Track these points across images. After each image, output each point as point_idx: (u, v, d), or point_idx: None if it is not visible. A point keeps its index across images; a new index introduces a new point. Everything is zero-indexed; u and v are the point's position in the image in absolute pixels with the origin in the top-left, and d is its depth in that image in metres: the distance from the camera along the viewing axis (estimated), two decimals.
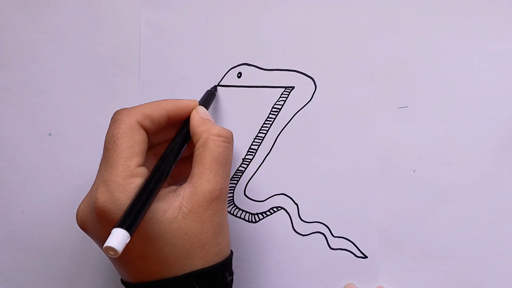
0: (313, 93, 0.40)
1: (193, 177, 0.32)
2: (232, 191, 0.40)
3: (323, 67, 0.40)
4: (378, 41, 0.40)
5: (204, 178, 0.32)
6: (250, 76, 0.41)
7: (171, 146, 0.34)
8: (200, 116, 0.35)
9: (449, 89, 0.39)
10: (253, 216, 0.40)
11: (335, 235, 0.39)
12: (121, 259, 0.32)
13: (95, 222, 0.32)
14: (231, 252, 0.35)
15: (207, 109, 0.38)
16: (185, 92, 0.41)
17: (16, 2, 0.43)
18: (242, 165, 0.40)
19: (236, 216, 0.40)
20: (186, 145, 0.35)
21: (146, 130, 0.33)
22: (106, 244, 0.27)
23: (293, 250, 0.39)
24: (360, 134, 0.39)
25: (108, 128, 0.33)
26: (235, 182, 0.40)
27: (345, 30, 0.40)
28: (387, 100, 0.39)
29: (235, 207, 0.40)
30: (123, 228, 0.27)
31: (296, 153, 0.40)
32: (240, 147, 0.40)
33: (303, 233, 0.39)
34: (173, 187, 0.33)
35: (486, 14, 0.39)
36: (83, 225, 0.33)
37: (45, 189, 0.42)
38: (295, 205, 0.39)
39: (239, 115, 0.40)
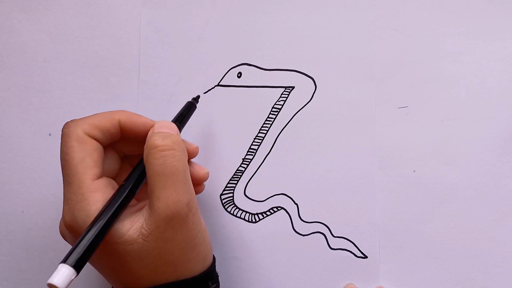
0: (313, 93, 0.40)
1: (149, 198, 0.31)
2: (232, 191, 0.40)
3: (323, 67, 0.40)
4: (378, 41, 0.40)
5: (154, 196, 0.30)
6: (250, 76, 0.41)
7: (128, 177, 0.32)
8: (151, 133, 0.32)
9: (449, 89, 0.39)
10: (253, 216, 0.40)
11: (335, 235, 0.39)
12: (98, 269, 0.33)
13: (70, 235, 0.32)
14: (212, 263, 0.34)
15: (184, 124, 0.36)
16: (185, 92, 0.41)
17: (16, 2, 0.43)
18: (242, 165, 0.40)
19: (236, 216, 0.40)
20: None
21: (97, 140, 0.32)
22: (49, 281, 0.26)
23: (293, 250, 0.39)
24: (360, 134, 0.39)
25: (61, 142, 0.32)
26: (235, 182, 0.40)
27: (345, 30, 0.40)
28: (387, 100, 0.39)
29: (235, 207, 0.40)
30: (69, 265, 0.27)
31: (296, 153, 0.40)
32: (240, 147, 0.40)
33: (303, 233, 0.39)
34: (144, 203, 0.32)
35: (486, 14, 0.39)
36: (63, 237, 0.33)
37: (45, 189, 0.42)
38: (295, 205, 0.39)
39: (239, 115, 0.40)
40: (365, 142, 0.39)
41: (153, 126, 0.33)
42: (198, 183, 0.36)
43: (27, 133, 0.42)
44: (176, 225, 0.30)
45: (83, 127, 0.32)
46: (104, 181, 0.31)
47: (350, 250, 0.39)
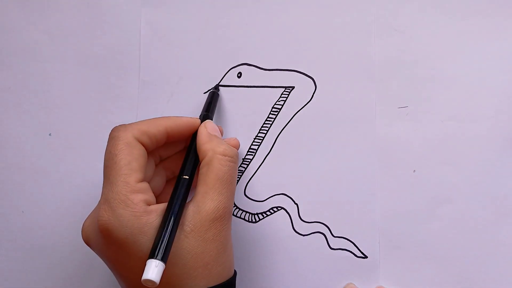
0: (313, 93, 0.40)
1: (197, 196, 0.32)
2: None
3: (323, 67, 0.40)
4: (378, 41, 0.40)
5: (207, 197, 0.32)
6: (250, 76, 0.41)
7: (184, 165, 0.34)
8: (207, 132, 0.35)
9: (449, 89, 0.39)
10: (253, 216, 0.40)
11: (335, 235, 0.39)
12: (118, 273, 0.33)
13: (99, 239, 0.32)
14: (235, 272, 0.34)
15: (213, 112, 0.38)
16: (185, 92, 0.41)
17: (16, 2, 0.43)
18: (242, 165, 0.40)
19: (236, 216, 0.40)
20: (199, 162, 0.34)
21: (144, 145, 0.33)
22: (144, 277, 0.27)
23: (293, 250, 0.39)
24: (360, 134, 0.39)
25: (106, 145, 0.33)
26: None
27: (345, 30, 0.40)
28: (387, 100, 0.39)
29: (235, 207, 0.40)
30: (157, 259, 0.28)
31: (296, 153, 0.40)
32: (240, 147, 0.40)
33: (303, 233, 0.39)
34: (164, 204, 0.33)
35: (486, 14, 0.39)
36: (87, 241, 0.33)
37: (45, 189, 0.42)
38: (295, 205, 0.39)
39: (239, 115, 0.40)
40: (365, 142, 0.39)
41: (198, 124, 0.36)
42: None
43: (27, 133, 0.42)
44: (218, 227, 0.32)
45: (134, 132, 0.33)
46: (145, 184, 0.32)
47: (350, 250, 0.39)
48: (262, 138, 0.40)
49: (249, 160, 0.40)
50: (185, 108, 0.41)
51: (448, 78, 0.39)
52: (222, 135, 0.38)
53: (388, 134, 0.39)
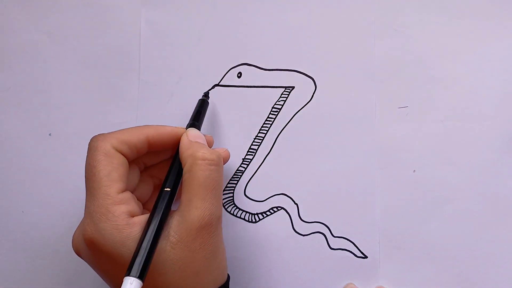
0: (313, 93, 0.40)
1: (181, 205, 0.31)
2: (232, 191, 0.40)
3: (323, 67, 0.40)
4: (378, 41, 0.40)
5: (191, 205, 0.31)
6: (250, 76, 0.41)
7: (167, 177, 0.33)
8: (187, 140, 0.34)
9: (449, 89, 0.39)
10: (253, 216, 0.40)
11: (335, 235, 0.39)
12: (111, 284, 0.33)
13: (87, 251, 0.32)
14: (228, 276, 0.34)
15: (201, 121, 0.37)
16: (185, 92, 0.41)
17: (16, 2, 0.43)
18: (242, 165, 0.40)
19: (236, 216, 0.40)
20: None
21: (124, 155, 0.33)
22: None
23: (293, 250, 0.39)
24: (360, 134, 0.39)
25: (86, 157, 0.33)
26: (235, 182, 0.40)
27: (345, 30, 0.40)
28: (387, 100, 0.39)
29: (235, 207, 0.40)
30: (133, 276, 0.27)
31: (296, 153, 0.40)
32: (240, 147, 0.40)
33: (303, 233, 0.39)
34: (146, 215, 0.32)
35: (486, 14, 0.39)
36: (78, 252, 0.33)
37: (45, 189, 0.42)
38: (295, 205, 0.39)
39: (239, 115, 0.40)
40: (365, 142, 0.39)
41: (183, 133, 0.34)
42: None
43: (27, 133, 0.42)
44: (205, 236, 0.31)
45: (112, 142, 0.32)
46: (127, 194, 0.32)
47: (350, 250, 0.39)
48: (262, 138, 0.40)
49: (249, 160, 0.40)
50: (185, 108, 0.41)
51: (448, 78, 0.39)
52: (212, 145, 0.37)
53: (388, 134, 0.39)
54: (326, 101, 0.40)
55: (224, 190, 0.40)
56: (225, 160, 0.37)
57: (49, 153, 0.42)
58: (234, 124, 0.40)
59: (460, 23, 0.39)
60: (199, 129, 0.36)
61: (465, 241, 0.38)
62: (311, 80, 0.40)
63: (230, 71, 0.41)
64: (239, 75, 0.41)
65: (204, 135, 0.36)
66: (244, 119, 0.40)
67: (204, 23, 0.41)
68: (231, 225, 0.39)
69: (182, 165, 0.33)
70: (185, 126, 0.36)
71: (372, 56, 0.40)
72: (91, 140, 0.33)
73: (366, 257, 0.38)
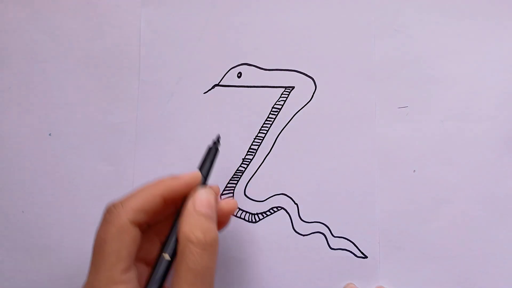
0: (313, 93, 0.40)
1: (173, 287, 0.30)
2: (232, 191, 0.40)
3: (323, 67, 0.40)
4: (378, 41, 0.40)
5: None
6: (250, 76, 0.41)
7: (167, 241, 0.32)
8: (192, 209, 0.31)
9: (449, 89, 0.39)
10: (253, 216, 0.40)
11: (335, 235, 0.39)
12: None
13: None
14: None
15: (210, 171, 0.35)
16: (185, 92, 0.41)
17: (16, 2, 0.43)
18: (242, 165, 0.40)
19: (236, 216, 0.40)
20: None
21: (140, 224, 0.31)
22: None
23: (293, 250, 0.39)
24: (360, 134, 0.39)
25: (99, 226, 0.31)
26: (235, 182, 0.40)
27: (345, 30, 0.40)
28: (387, 100, 0.39)
29: None
30: None
31: (296, 153, 0.40)
32: (240, 147, 0.40)
33: (303, 233, 0.39)
34: None
35: (486, 14, 0.39)
36: None
37: (45, 189, 0.42)
38: (295, 205, 0.39)
39: (239, 115, 0.40)
40: (365, 142, 0.39)
41: (196, 184, 0.33)
42: (226, 217, 0.35)
43: (27, 133, 0.42)
44: None
45: (128, 215, 0.31)
46: (131, 275, 0.30)
47: (350, 250, 0.39)
48: (262, 138, 0.40)
49: (249, 160, 0.40)
50: (185, 108, 0.41)
51: (448, 78, 0.39)
52: (218, 194, 0.35)
53: (388, 134, 0.39)
54: (326, 101, 0.40)
55: (224, 190, 0.40)
56: (232, 211, 0.35)
57: (49, 153, 0.42)
58: (234, 124, 0.40)
59: (460, 23, 0.39)
60: (206, 178, 0.34)
61: (465, 241, 0.38)
62: (311, 80, 0.40)
63: (230, 71, 0.41)
64: (239, 75, 0.41)
65: (211, 186, 0.34)
66: (244, 119, 0.40)
67: (204, 23, 0.41)
68: (231, 225, 0.39)
69: (178, 239, 0.31)
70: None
71: (372, 56, 0.40)
72: (106, 211, 0.31)
73: (366, 257, 0.38)
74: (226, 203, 0.35)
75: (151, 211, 0.32)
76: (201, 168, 0.35)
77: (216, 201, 0.33)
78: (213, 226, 0.31)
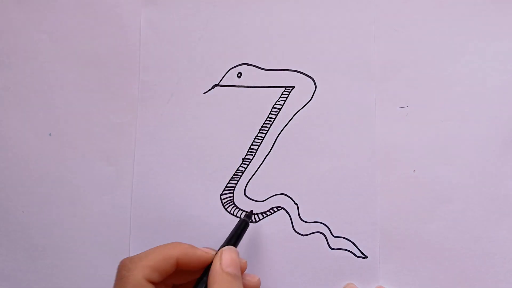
0: (313, 93, 0.40)
1: None
2: (232, 191, 0.40)
3: (323, 67, 0.40)
4: (378, 41, 0.40)
5: None
6: (250, 76, 0.41)
7: None
8: (219, 269, 0.31)
9: (449, 89, 0.39)
10: (253, 216, 0.40)
11: (335, 235, 0.39)
12: None
13: None
14: None
15: (238, 243, 0.35)
16: (185, 92, 0.41)
17: (16, 2, 0.43)
18: (242, 165, 0.40)
19: (236, 216, 0.40)
20: None
21: (153, 282, 0.31)
22: None
23: (293, 250, 0.39)
24: (360, 134, 0.39)
25: (115, 282, 0.31)
26: (235, 182, 0.40)
27: (345, 30, 0.40)
28: (387, 100, 0.39)
29: (235, 207, 0.40)
30: None
31: (296, 153, 0.40)
32: (240, 147, 0.40)
33: (303, 233, 0.39)
34: None
35: (486, 14, 0.39)
36: None
37: (45, 189, 0.42)
38: (295, 205, 0.39)
39: (239, 115, 0.40)
40: (365, 142, 0.39)
41: (213, 258, 0.33)
42: None
43: (27, 133, 0.42)
44: None
45: (144, 272, 0.31)
46: None
47: (350, 250, 0.39)
48: (262, 138, 0.40)
49: (249, 160, 0.40)
50: (185, 108, 0.41)
51: (448, 78, 0.39)
52: (244, 270, 0.35)
53: (388, 134, 0.39)
54: (326, 101, 0.40)
55: (224, 190, 0.40)
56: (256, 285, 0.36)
57: (49, 153, 0.42)
58: (234, 124, 0.40)
59: (460, 23, 0.39)
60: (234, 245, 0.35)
61: (465, 241, 0.38)
62: (311, 80, 0.40)
63: (230, 71, 0.41)
64: (239, 75, 0.41)
65: (253, 277, 0.35)
66: (244, 119, 0.40)
67: (204, 23, 0.41)
68: (231, 225, 0.39)
69: None
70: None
71: (372, 56, 0.40)
72: (121, 267, 0.32)
73: (366, 257, 0.38)
74: (251, 278, 0.36)
75: (164, 272, 0.32)
76: (229, 236, 0.35)
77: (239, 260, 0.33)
78: (240, 285, 0.31)
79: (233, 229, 0.36)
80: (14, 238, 0.42)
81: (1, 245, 0.42)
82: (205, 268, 0.33)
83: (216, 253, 0.33)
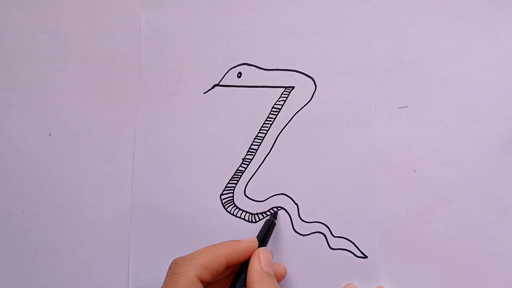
0: (313, 93, 0.40)
1: None
2: (232, 191, 0.40)
3: (323, 67, 0.40)
4: (378, 41, 0.40)
5: None
6: (250, 76, 0.41)
7: None
8: (260, 269, 0.33)
9: (449, 89, 0.39)
10: (253, 216, 0.40)
11: (335, 235, 0.39)
12: None
13: None
14: None
15: (267, 241, 0.37)
16: (185, 92, 0.41)
17: (16, 2, 0.43)
18: (242, 165, 0.40)
19: (236, 216, 0.40)
20: None
21: (204, 281, 0.33)
22: None
23: (293, 250, 0.39)
24: (360, 134, 0.39)
25: (166, 278, 0.32)
26: (235, 182, 0.40)
27: (345, 30, 0.40)
28: (387, 100, 0.39)
29: (235, 207, 0.40)
30: None
31: (296, 153, 0.40)
32: (240, 147, 0.40)
33: (303, 233, 0.39)
34: None
35: (486, 14, 0.39)
36: None
37: (45, 189, 0.42)
38: (295, 205, 0.39)
39: (239, 115, 0.40)
40: (365, 142, 0.39)
41: (255, 249, 0.35)
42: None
43: (27, 133, 0.42)
44: None
45: (196, 270, 0.32)
46: None
47: (350, 250, 0.39)
48: (262, 138, 0.40)
49: (249, 160, 0.40)
50: (185, 108, 0.41)
51: (448, 78, 0.39)
52: (283, 276, 0.38)
53: (388, 134, 0.39)
54: (326, 101, 0.40)
55: (224, 190, 0.40)
56: (282, 277, 0.38)
57: (49, 153, 0.42)
58: (234, 124, 0.40)
59: (460, 23, 0.39)
60: (263, 244, 0.36)
61: (465, 241, 0.38)
62: (311, 80, 0.40)
63: (230, 71, 0.41)
64: (239, 75, 0.41)
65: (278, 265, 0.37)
66: (244, 119, 0.40)
67: (204, 23, 0.41)
68: (231, 225, 0.39)
69: None
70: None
71: (372, 56, 0.40)
72: (174, 263, 0.33)
73: (366, 257, 0.38)
74: (277, 266, 0.38)
75: (214, 271, 0.33)
76: (259, 235, 0.37)
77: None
78: (275, 282, 0.34)
79: (262, 229, 0.37)
80: (14, 238, 0.42)
81: (1, 245, 0.42)
82: (240, 266, 0.34)
83: (254, 254, 0.34)
